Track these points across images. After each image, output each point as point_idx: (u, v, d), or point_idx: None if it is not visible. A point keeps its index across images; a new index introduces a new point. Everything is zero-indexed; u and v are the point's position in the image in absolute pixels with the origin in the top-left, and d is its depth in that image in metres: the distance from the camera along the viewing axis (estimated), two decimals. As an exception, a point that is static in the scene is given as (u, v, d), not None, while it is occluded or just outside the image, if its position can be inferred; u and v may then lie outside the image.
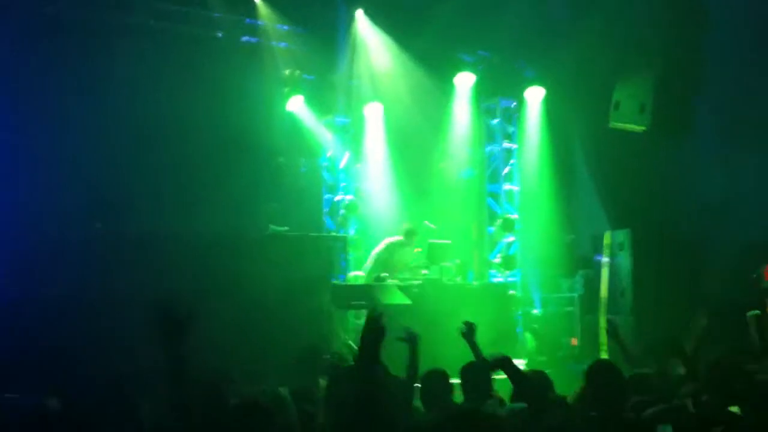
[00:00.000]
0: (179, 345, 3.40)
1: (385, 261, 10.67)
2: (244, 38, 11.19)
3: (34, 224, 8.27)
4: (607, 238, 11.34)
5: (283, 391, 4.69)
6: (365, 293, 9.83)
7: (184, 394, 3.35)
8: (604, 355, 10.37)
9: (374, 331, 3.69)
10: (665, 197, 11.11)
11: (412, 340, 5.67)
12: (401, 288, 9.96)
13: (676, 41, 10.80)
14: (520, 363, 10.28)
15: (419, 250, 10.97)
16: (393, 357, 6.12)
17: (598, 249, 11.50)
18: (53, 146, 8.98)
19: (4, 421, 4.25)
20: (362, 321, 9.97)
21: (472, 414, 3.98)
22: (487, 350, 6.17)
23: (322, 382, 5.29)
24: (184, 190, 9.87)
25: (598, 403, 4.83)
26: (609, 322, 7.05)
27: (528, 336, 11.38)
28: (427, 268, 10.68)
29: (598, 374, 5.05)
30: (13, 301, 7.73)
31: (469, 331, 6.02)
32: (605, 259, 11.29)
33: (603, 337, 10.73)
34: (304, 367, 5.95)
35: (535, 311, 12.04)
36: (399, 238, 10.82)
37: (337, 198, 12.28)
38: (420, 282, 10.34)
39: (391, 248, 10.76)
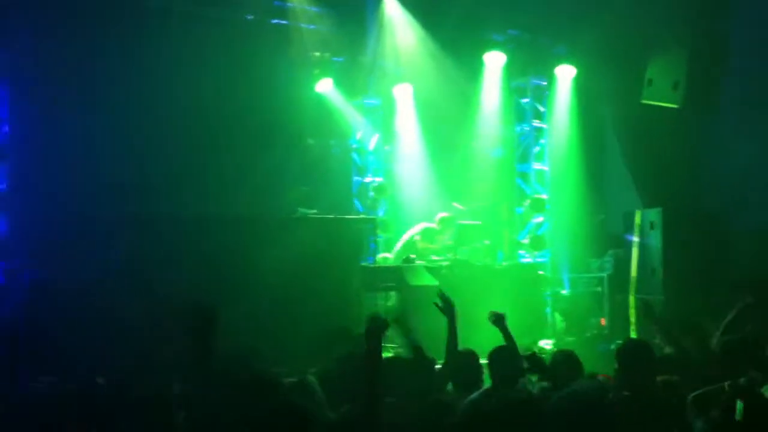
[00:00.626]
0: (207, 339, 3.48)
1: (416, 245, 10.71)
2: (274, 20, 11.22)
3: (64, 205, 8.41)
4: (638, 217, 11.25)
5: (311, 377, 4.76)
6: (394, 275, 9.88)
7: (211, 380, 3.43)
8: (634, 335, 10.36)
9: (375, 332, 3.76)
10: (697, 176, 11.00)
11: (448, 310, 5.73)
12: (429, 269, 10.00)
13: (704, 18, 10.65)
14: (548, 343, 10.34)
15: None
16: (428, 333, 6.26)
17: (628, 228, 11.40)
18: (82, 129, 9.09)
19: (42, 404, 4.36)
20: (391, 302, 10.08)
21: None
22: (516, 330, 6.24)
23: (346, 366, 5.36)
24: (213, 173, 9.97)
25: (630, 382, 4.85)
26: (641, 301, 6.96)
27: (557, 316, 11.38)
28: (455, 250, 10.67)
29: (630, 353, 5.08)
30: (43, 283, 7.88)
31: (498, 320, 6.02)
32: (636, 239, 11.21)
33: (632, 317, 10.70)
34: (333, 350, 6.03)
35: (564, 291, 12.01)
36: (434, 225, 10.86)
37: (367, 180, 12.33)
38: (449, 263, 10.38)
39: (426, 234, 10.81)
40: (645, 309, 6.78)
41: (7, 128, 9.06)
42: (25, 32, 8.79)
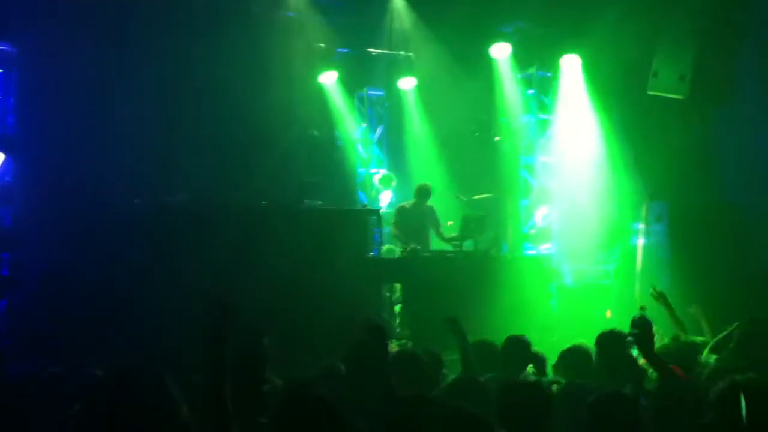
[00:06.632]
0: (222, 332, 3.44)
1: (402, 227, 10.67)
2: (281, 11, 11.21)
3: (70, 197, 8.44)
4: (644, 210, 11.23)
5: (342, 365, 4.76)
6: (399, 267, 9.90)
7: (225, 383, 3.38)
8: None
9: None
10: (704, 168, 10.95)
11: (457, 331, 5.70)
12: (434, 261, 10.01)
13: (718, 6, 10.58)
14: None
15: (451, 223, 11.03)
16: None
17: (635, 220, 11.40)
18: (89, 120, 9.10)
19: (51, 393, 4.38)
20: (396, 296, 10.09)
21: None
22: (520, 322, 6.23)
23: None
24: (219, 164, 9.99)
25: (611, 372, 4.90)
26: (655, 289, 6.91)
27: (562, 308, 11.31)
28: (460, 241, 10.65)
29: (607, 343, 5.12)
30: (53, 274, 7.91)
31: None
32: (642, 230, 11.19)
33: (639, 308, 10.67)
34: (338, 341, 6.02)
35: (570, 284, 11.96)
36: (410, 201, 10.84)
37: (372, 171, 12.32)
38: (454, 254, 10.37)
39: (400, 213, 10.76)
40: (657, 295, 6.76)
41: (13, 119, 9.09)
42: (33, 24, 8.80)
